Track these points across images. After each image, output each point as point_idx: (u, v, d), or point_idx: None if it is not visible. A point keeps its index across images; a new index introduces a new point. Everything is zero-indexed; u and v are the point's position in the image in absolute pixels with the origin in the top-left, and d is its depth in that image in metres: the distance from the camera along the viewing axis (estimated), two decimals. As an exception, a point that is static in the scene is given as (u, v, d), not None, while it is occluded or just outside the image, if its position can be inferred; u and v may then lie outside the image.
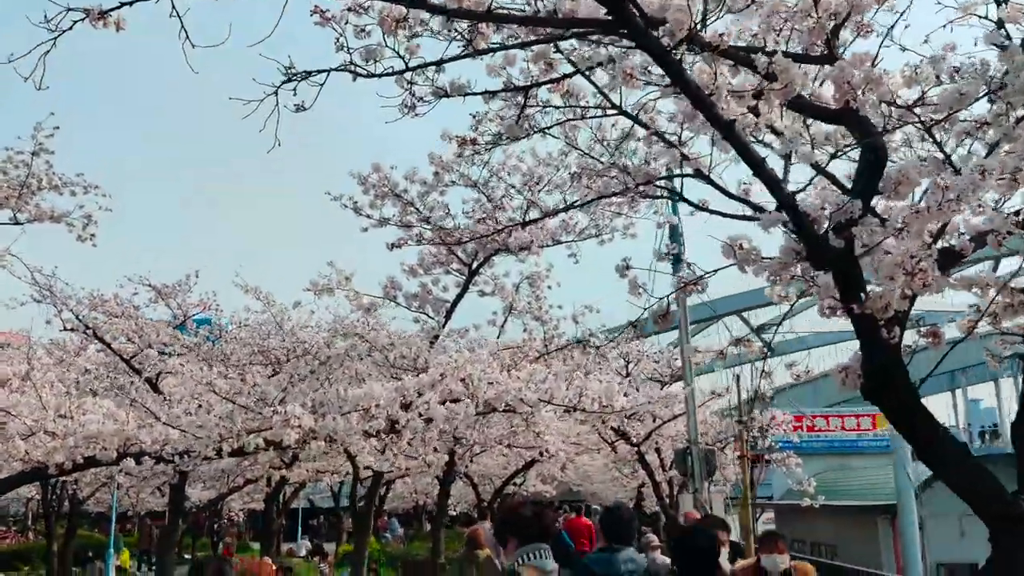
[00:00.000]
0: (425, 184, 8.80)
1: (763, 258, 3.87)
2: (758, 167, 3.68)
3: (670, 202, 15.49)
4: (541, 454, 19.78)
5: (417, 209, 9.00)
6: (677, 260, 15.32)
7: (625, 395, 10.14)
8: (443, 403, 7.90)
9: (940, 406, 51.29)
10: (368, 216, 9.24)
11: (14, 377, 11.47)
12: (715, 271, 4.29)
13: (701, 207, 4.88)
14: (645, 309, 4.54)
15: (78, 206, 11.20)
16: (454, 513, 29.49)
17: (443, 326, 9.71)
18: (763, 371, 6.17)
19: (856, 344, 3.92)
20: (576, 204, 6.68)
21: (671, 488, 17.92)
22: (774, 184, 3.73)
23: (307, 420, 7.33)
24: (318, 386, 8.50)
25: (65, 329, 14.19)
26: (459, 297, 10.00)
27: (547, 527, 4.45)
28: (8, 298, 14.05)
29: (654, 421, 16.49)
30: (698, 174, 4.49)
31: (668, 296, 4.72)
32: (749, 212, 4.24)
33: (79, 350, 14.67)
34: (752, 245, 3.82)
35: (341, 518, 28.35)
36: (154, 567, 28.31)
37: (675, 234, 15.53)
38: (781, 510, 27.19)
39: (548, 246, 10.00)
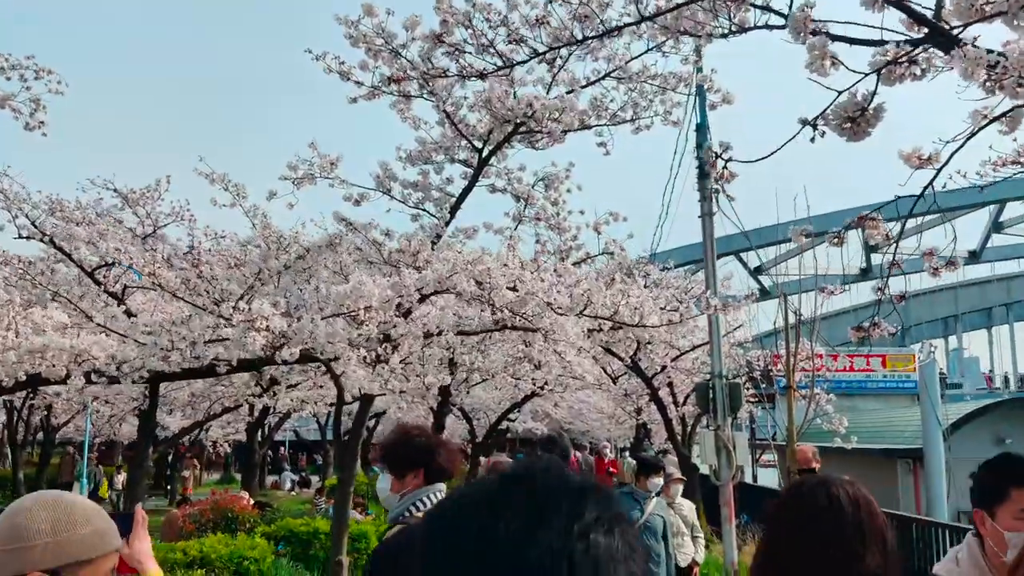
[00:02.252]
0: (430, 40, 6.93)
1: None
2: None
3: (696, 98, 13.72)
4: (541, 387, 18.22)
5: (420, 75, 7.14)
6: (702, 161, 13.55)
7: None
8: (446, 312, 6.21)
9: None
10: (358, 83, 7.39)
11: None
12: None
13: None
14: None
15: (24, 88, 9.39)
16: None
17: (447, 223, 7.92)
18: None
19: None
20: (624, 26, 4.86)
21: (684, 426, 16.33)
22: None
23: (277, 322, 5.61)
24: (294, 286, 6.74)
25: (20, 237, 12.41)
26: (467, 190, 8.18)
27: (452, 463, 3.74)
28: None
29: (666, 355, 14.92)
30: None
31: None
32: None
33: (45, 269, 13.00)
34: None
35: (328, 450, 26.91)
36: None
37: (701, 128, 13.77)
38: (783, 450, 25.82)
39: (574, 130, 8.18)
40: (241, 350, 5.75)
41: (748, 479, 22.43)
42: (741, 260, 47.96)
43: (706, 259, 13.66)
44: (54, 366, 8.61)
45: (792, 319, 10.30)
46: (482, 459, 18.58)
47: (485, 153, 8.15)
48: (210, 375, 10.10)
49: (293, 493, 30.32)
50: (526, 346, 10.24)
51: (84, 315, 7.25)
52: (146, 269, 6.91)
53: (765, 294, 34.61)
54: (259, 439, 22.37)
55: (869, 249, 42.55)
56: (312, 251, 6.73)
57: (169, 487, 25.06)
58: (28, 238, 12.66)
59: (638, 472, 7.31)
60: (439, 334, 7.40)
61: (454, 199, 8.23)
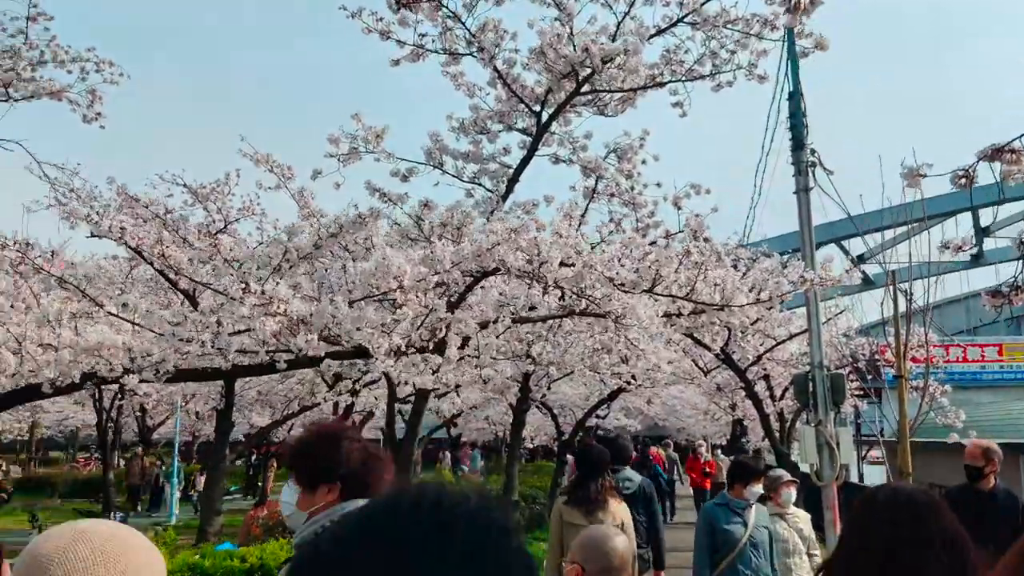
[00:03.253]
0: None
1: None
2: None
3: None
4: (628, 382, 17.16)
5: (464, 26, 6.29)
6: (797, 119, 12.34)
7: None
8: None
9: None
10: (400, 42, 6.58)
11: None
12: None
13: None
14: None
15: (80, 79, 8.95)
16: (531, 446, 27.16)
17: (504, 198, 7.03)
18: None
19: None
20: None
21: (782, 422, 15.04)
22: None
23: (296, 306, 4.83)
24: (323, 268, 5.96)
25: (93, 236, 12.06)
26: (526, 160, 7.27)
27: (378, 476, 2.86)
28: (30, 200, 11.96)
29: (761, 345, 13.71)
30: None
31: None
32: None
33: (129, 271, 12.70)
34: None
35: (414, 449, 26.42)
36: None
37: (794, 96, 12.56)
38: (892, 447, 24.06)
39: (644, 88, 7.19)
40: (264, 341, 5.01)
41: (853, 478, 20.87)
42: (843, 248, 45.74)
43: (802, 239, 12.40)
44: (111, 365, 8.09)
45: (903, 304, 9.05)
46: (568, 457, 17.66)
47: (545, 117, 7.23)
48: (270, 371, 9.50)
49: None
50: (604, 333, 9.26)
51: (93, 302, 6.62)
52: (155, 249, 6.25)
53: (869, 283, 32.65)
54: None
55: (981, 233, 39.86)
56: (346, 227, 5.95)
57: (260, 486, 24.94)
58: (100, 236, 12.27)
59: (732, 477, 6.10)
60: (495, 322, 6.51)
61: (512, 171, 7.34)
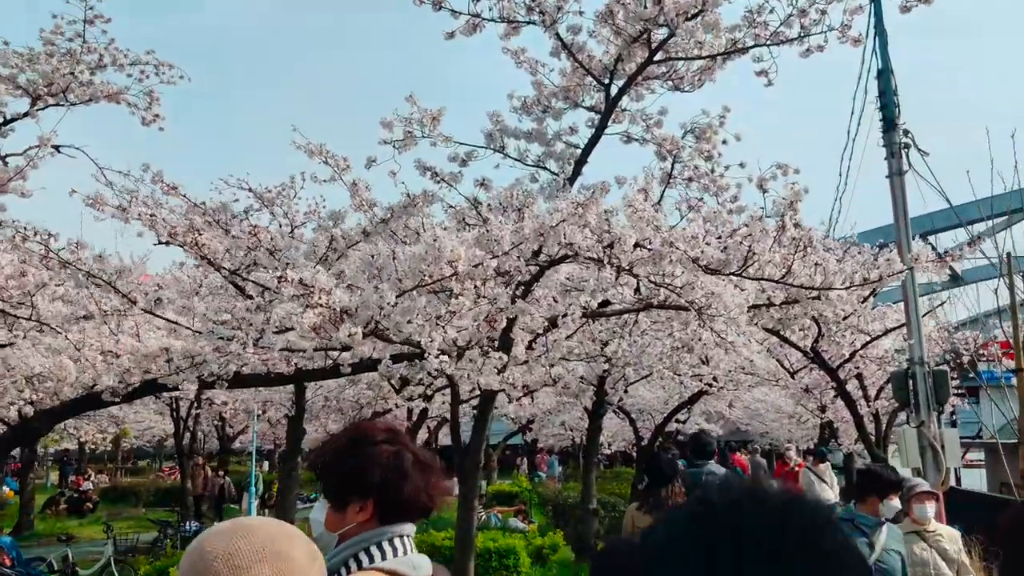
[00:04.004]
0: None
1: None
2: None
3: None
4: (709, 384, 16.29)
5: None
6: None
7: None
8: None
9: None
10: (453, 12, 6.00)
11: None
12: None
13: None
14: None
15: (137, 80, 8.64)
16: (609, 452, 26.35)
17: (572, 180, 6.38)
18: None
19: None
20: None
21: (878, 423, 13.98)
22: None
23: (339, 295, 4.26)
24: (372, 253, 5.40)
25: (160, 243, 11.82)
26: (595, 138, 6.60)
27: (428, 493, 2.30)
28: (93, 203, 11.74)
29: (856, 341, 12.72)
30: None
31: None
32: None
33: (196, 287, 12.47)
34: None
35: (491, 455, 25.85)
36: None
37: (884, 73, 11.67)
38: (993, 450, 22.56)
39: (725, 54, 6.46)
40: (304, 335, 4.45)
41: (952, 481, 19.54)
42: (930, 243, 43.72)
43: (897, 226, 11.46)
44: (169, 372, 7.70)
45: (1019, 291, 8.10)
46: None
47: (614, 91, 6.56)
48: (334, 375, 9.03)
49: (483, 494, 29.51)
50: (683, 329, 8.52)
51: (128, 300, 6.17)
52: (188, 237, 5.77)
53: (957, 280, 30.90)
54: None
55: (1079, 226, 37.49)
56: (396, 212, 5.38)
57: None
58: (167, 243, 12.01)
59: (863, 490, 5.23)
60: (564, 316, 5.87)
61: (580, 151, 6.69)
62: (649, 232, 4.48)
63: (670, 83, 7.18)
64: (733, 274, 4.88)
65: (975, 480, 26.71)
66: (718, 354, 13.42)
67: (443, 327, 4.48)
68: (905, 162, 11.34)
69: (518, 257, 4.59)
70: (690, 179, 7.75)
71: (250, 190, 12.16)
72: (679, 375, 12.39)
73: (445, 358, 4.50)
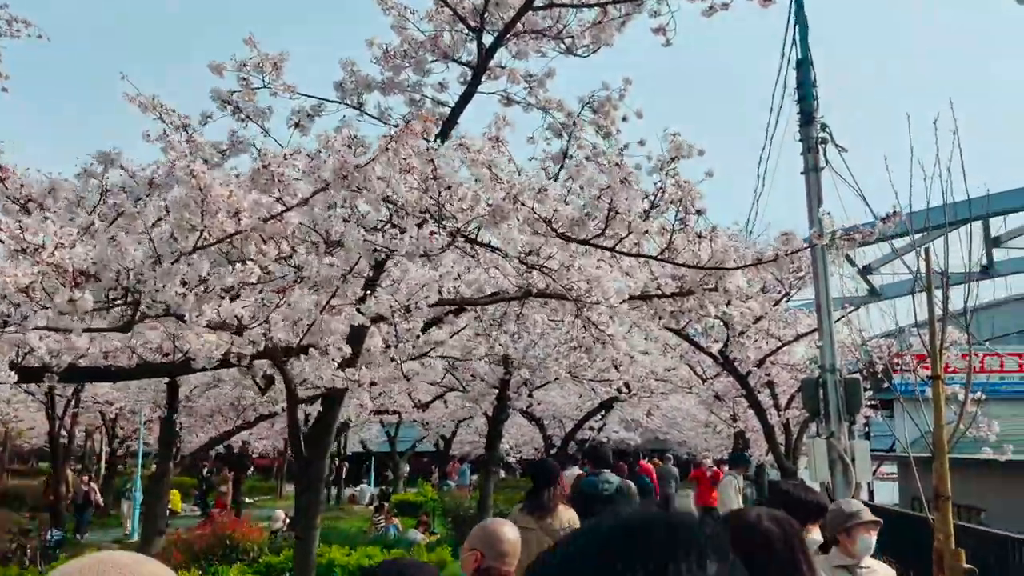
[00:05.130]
0: None
1: None
2: None
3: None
4: (619, 390, 15.47)
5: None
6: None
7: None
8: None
9: None
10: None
11: None
12: None
13: None
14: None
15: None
16: (516, 459, 25.32)
17: (439, 140, 5.38)
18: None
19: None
20: None
21: (788, 434, 13.29)
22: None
23: (78, 252, 3.17)
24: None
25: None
26: (466, 96, 5.62)
27: None
28: None
29: (766, 344, 12.00)
30: None
31: None
32: None
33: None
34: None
35: (398, 462, 24.62)
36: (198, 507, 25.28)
37: (803, 64, 11.01)
38: (905, 463, 22.26)
39: (616, 1, 5.55)
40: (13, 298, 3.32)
41: (864, 495, 19.09)
42: (849, 258, 43.89)
43: (811, 223, 10.77)
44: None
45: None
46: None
47: (489, 42, 5.59)
48: (183, 371, 7.89)
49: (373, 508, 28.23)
50: (573, 323, 7.59)
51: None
52: None
53: (874, 295, 30.82)
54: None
55: (991, 243, 37.98)
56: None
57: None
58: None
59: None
60: (418, 305, 4.86)
61: (448, 110, 5.70)
62: (485, 176, 3.50)
63: (560, 44, 6.26)
64: (600, 247, 3.94)
65: (888, 494, 26.48)
66: (626, 359, 12.59)
67: (224, 297, 3.43)
68: (823, 158, 10.69)
69: (330, 215, 3.57)
70: (586, 158, 6.81)
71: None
72: (579, 379, 11.50)
73: (212, 337, 3.45)
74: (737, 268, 4.54)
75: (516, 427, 23.98)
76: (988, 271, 39.89)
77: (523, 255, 4.79)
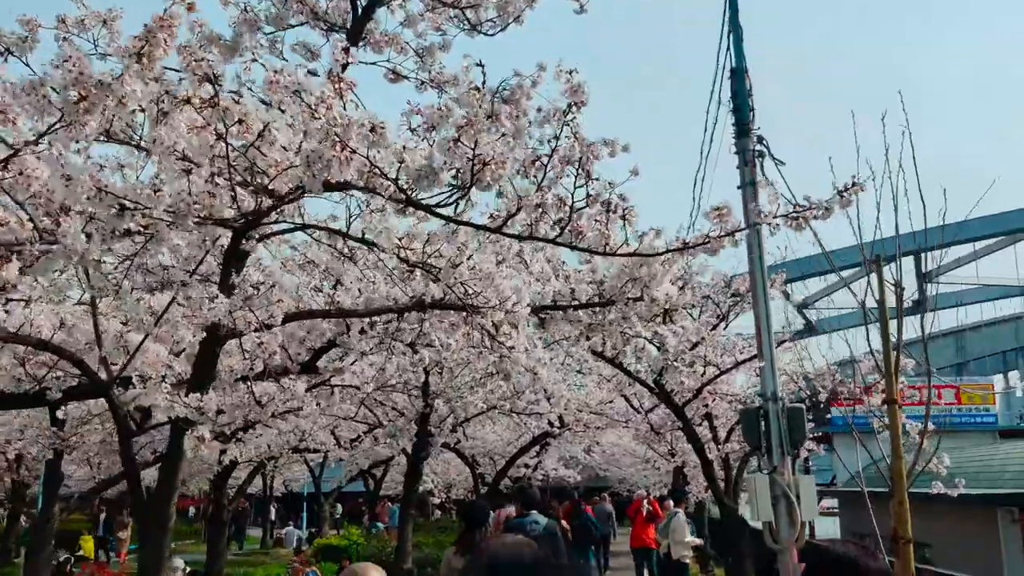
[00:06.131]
0: None
1: None
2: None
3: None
4: (552, 424, 14.50)
5: None
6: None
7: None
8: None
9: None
10: None
11: None
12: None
13: None
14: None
15: None
16: (437, 500, 24.05)
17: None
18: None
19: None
20: None
21: (727, 469, 12.40)
22: None
23: None
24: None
25: None
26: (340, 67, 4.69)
27: None
28: None
29: (703, 373, 11.14)
30: None
31: None
32: None
33: None
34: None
35: (323, 504, 23.16)
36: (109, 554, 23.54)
37: (739, 72, 10.30)
38: (849, 498, 21.62)
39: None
40: None
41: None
42: (784, 293, 43.79)
43: (750, 241, 10.00)
44: None
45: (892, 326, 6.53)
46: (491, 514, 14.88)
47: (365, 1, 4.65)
48: (37, 403, 6.71)
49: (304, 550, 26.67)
50: (482, 345, 6.61)
51: None
52: None
53: (811, 331, 30.45)
54: (227, 495, 18.19)
55: (923, 279, 38.15)
56: None
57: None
58: None
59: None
60: (266, 327, 3.85)
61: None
62: (306, 120, 2.52)
63: (463, 23, 5.34)
64: (463, 223, 2.94)
65: (829, 528, 25.76)
66: (559, 389, 11.63)
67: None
68: (760, 172, 9.96)
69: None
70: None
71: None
72: (505, 412, 10.50)
73: None
74: (661, 253, 3.63)
75: (447, 465, 22.82)
76: (919, 306, 39.99)
77: (400, 247, 3.81)
